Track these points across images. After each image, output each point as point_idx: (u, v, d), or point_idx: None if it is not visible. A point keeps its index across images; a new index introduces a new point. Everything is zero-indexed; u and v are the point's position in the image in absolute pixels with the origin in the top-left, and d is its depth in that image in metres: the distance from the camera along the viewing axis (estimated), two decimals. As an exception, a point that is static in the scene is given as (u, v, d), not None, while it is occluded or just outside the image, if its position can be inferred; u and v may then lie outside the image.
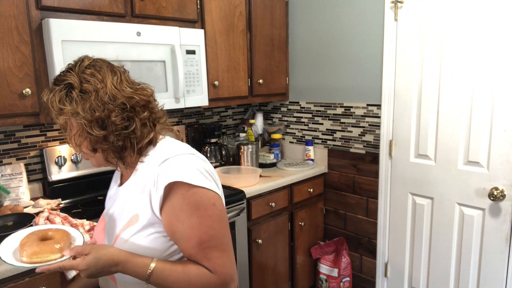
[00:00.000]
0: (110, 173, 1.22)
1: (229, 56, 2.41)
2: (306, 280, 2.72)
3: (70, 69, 0.98)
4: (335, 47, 2.56)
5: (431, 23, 2.09)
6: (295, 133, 2.93)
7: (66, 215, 1.69)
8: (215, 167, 2.51)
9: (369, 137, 2.47)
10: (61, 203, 1.98)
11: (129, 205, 1.02)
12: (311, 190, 2.64)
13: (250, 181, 2.30)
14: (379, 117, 2.39)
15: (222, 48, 2.37)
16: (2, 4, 1.55)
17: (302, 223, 2.61)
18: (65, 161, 2.01)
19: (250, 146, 2.56)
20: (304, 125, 2.85)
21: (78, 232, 1.04)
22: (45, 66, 1.70)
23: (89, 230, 1.62)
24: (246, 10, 2.48)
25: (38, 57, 1.68)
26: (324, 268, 2.64)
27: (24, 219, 1.62)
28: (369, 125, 2.46)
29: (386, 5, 2.25)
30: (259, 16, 2.56)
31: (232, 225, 2.14)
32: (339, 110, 2.61)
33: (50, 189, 2.00)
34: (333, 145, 2.69)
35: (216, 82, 2.34)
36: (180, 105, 2.10)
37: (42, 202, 1.85)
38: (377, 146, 2.44)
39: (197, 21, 2.23)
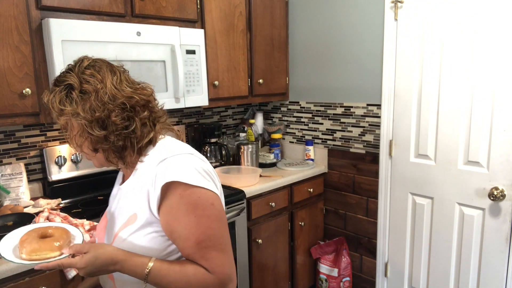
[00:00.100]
0: (110, 173, 1.22)
1: (229, 56, 2.41)
2: (306, 280, 2.72)
3: (70, 69, 0.98)
4: (335, 47, 2.56)
5: (431, 23, 2.09)
6: (295, 133, 2.93)
7: (66, 215, 1.70)
8: (215, 167, 2.52)
9: (369, 137, 2.47)
10: (61, 203, 1.98)
11: (128, 204, 1.02)
12: (311, 190, 2.64)
13: (250, 181, 2.30)
14: (379, 117, 2.39)
15: (222, 48, 2.37)
16: (2, 4, 1.55)
17: (302, 223, 2.61)
18: (65, 161, 2.01)
19: (250, 146, 2.56)
20: (304, 125, 2.85)
21: (78, 231, 1.05)
22: (45, 66, 1.70)
23: (89, 230, 1.62)
24: (246, 10, 2.48)
25: (38, 57, 1.68)
26: (324, 268, 2.64)
27: (24, 219, 1.62)
28: (369, 125, 2.46)
29: (386, 5, 2.25)
30: (259, 16, 2.56)
31: (232, 225, 2.14)
32: (339, 110, 2.61)
33: (50, 189, 2.00)
34: (333, 145, 2.69)
35: (216, 82, 2.34)
36: (180, 105, 2.11)
37: (42, 202, 1.85)
38: (377, 146, 2.44)
39: (197, 21, 2.23)
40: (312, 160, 2.78)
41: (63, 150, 2.02)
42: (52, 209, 1.82)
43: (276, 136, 2.87)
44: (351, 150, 2.58)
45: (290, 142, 2.97)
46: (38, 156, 2.03)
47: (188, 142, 2.62)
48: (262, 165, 2.68)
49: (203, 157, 1.04)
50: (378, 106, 2.39)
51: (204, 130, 2.59)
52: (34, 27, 1.66)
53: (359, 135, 2.53)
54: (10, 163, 1.93)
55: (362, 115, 2.49)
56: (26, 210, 1.79)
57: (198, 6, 2.21)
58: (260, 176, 2.41)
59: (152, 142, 1.02)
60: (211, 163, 2.35)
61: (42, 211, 1.68)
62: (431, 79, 2.12)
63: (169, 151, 0.99)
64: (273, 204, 2.38)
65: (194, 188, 0.94)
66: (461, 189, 2.07)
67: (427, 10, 2.10)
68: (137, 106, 0.98)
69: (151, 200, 0.96)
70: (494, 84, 1.90)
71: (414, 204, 2.30)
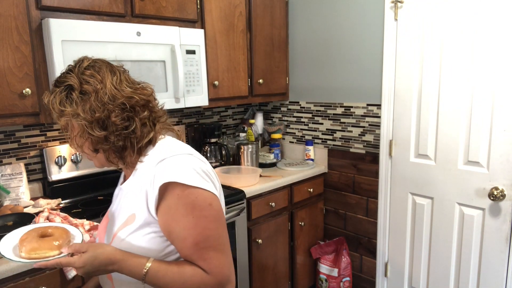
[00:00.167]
0: (110, 173, 1.22)
1: (229, 56, 2.41)
2: (306, 280, 2.72)
3: (70, 70, 0.98)
4: (335, 47, 2.56)
5: (431, 23, 2.09)
6: (295, 133, 2.93)
7: (66, 215, 1.70)
8: (215, 167, 2.52)
9: (369, 137, 2.47)
10: (61, 203, 1.98)
11: (127, 204, 1.03)
12: (311, 190, 2.64)
13: (250, 181, 2.31)
14: (379, 117, 2.39)
15: (222, 48, 2.37)
16: (2, 4, 1.55)
17: (302, 223, 2.61)
18: (65, 161, 2.01)
19: (250, 146, 2.56)
20: (304, 125, 2.85)
21: (78, 230, 1.05)
22: (45, 66, 1.70)
23: (89, 230, 1.62)
24: (246, 10, 2.48)
25: (38, 57, 1.68)
26: (324, 268, 2.64)
27: (24, 219, 1.62)
28: (369, 125, 2.46)
29: (386, 5, 2.25)
30: (259, 16, 2.56)
31: (232, 225, 2.14)
32: (339, 110, 2.61)
33: (50, 189, 2.00)
34: (333, 145, 2.69)
35: (216, 82, 2.34)
36: (180, 105, 2.11)
37: (42, 202, 1.85)
38: (377, 146, 2.44)
39: (197, 21, 2.23)
40: (312, 160, 2.78)
41: (63, 150, 2.02)
42: (52, 209, 1.82)
43: (276, 136, 2.87)
44: (351, 150, 2.58)
45: (290, 142, 2.97)
46: (38, 156, 2.03)
47: (188, 142, 2.62)
48: (262, 165, 2.68)
49: (203, 158, 1.03)
50: (378, 106, 2.39)
51: (204, 130, 2.59)
52: (34, 27, 1.66)
53: (359, 135, 2.53)
54: (10, 163, 1.93)
55: (362, 115, 2.49)
56: (26, 210, 1.79)
57: (198, 6, 2.21)
58: (260, 176, 2.41)
59: (152, 142, 1.02)
60: (211, 163, 2.35)
61: (42, 211, 1.68)
62: (431, 79, 2.12)
63: (168, 152, 0.99)
64: (273, 204, 2.38)
65: (192, 189, 0.93)
66: (461, 189, 2.07)
67: (427, 10, 2.10)
68: (137, 106, 0.98)
69: (149, 200, 0.96)
70: (494, 84, 1.90)
71: (414, 204, 2.30)
